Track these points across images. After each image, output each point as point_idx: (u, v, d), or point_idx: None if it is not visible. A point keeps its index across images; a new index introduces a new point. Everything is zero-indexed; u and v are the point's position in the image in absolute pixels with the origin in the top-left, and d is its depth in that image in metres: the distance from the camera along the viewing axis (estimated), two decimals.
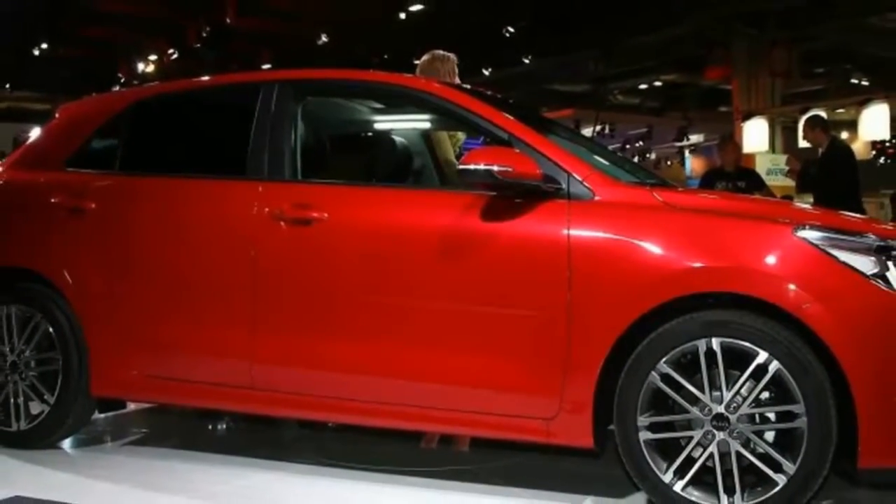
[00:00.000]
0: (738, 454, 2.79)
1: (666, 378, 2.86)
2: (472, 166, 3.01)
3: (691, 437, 2.84)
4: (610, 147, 10.01)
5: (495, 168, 2.98)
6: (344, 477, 3.47)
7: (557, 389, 2.98)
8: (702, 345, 2.83)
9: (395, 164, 3.77)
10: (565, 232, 3.01)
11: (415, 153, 4.08)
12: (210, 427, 4.46)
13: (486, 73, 16.37)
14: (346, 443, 4.06)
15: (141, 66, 17.95)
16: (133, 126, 4.01)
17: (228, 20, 15.04)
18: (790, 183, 10.29)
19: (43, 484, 3.35)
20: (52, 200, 3.88)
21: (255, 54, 16.57)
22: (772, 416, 2.81)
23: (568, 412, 2.97)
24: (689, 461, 2.84)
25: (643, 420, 2.89)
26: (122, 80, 18.02)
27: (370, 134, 4.39)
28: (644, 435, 2.89)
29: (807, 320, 2.73)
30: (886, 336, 2.72)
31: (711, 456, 2.81)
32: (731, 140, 9.27)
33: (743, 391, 2.80)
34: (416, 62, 4.96)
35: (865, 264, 2.77)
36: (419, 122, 4.30)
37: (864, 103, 11.88)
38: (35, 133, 4.59)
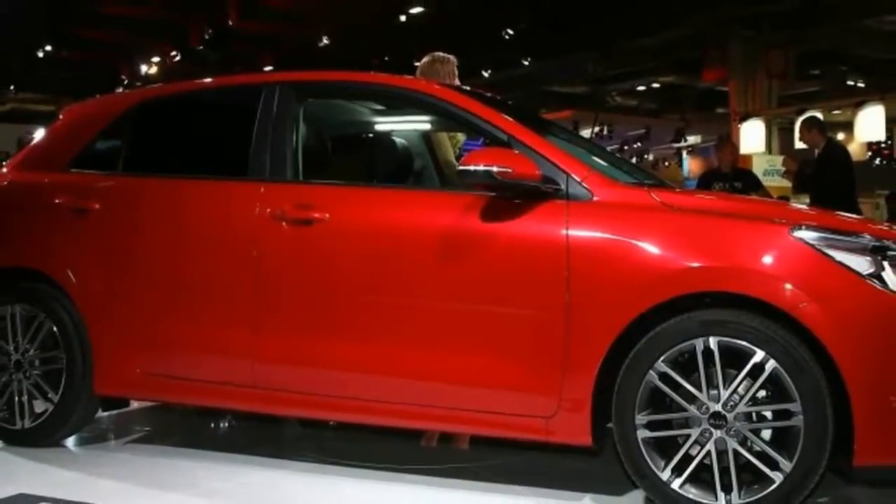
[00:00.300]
0: (736, 452, 2.78)
1: (664, 377, 2.86)
2: (471, 167, 3.01)
3: (689, 436, 2.84)
4: (608, 148, 10.01)
5: (495, 169, 2.98)
6: (345, 475, 3.47)
7: (556, 388, 2.98)
8: (699, 344, 2.83)
9: (395, 164, 3.77)
10: (564, 232, 3.01)
11: (415, 154, 4.08)
12: (212, 425, 4.45)
13: (486, 74, 16.38)
14: (347, 441, 4.06)
15: (144, 68, 17.98)
16: (136, 127, 4.01)
17: (230, 22, 15.06)
18: (787, 183, 10.29)
19: (47, 481, 3.35)
20: (56, 201, 3.88)
21: (256, 56, 16.59)
22: (768, 414, 2.81)
23: (567, 411, 2.97)
24: (687, 459, 2.84)
25: (641, 418, 2.89)
26: (126, 82, 18.04)
27: (371, 135, 4.39)
28: (642, 433, 2.89)
29: (803, 319, 2.73)
30: (882, 335, 2.72)
31: (709, 454, 2.81)
32: (728, 141, 9.26)
33: (740, 390, 2.80)
34: (417, 64, 4.96)
35: (861, 264, 2.77)
36: (419, 123, 4.30)
37: (859, 105, 11.88)
38: (39, 134, 4.59)
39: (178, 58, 16.88)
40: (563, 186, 3.09)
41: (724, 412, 2.80)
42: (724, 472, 2.79)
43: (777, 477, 2.74)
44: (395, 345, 3.23)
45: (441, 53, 4.88)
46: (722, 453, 2.80)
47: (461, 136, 4.58)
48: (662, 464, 2.87)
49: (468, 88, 3.87)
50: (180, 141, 4.11)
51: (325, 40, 15.78)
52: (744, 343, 2.78)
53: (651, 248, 2.93)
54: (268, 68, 15.44)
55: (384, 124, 4.31)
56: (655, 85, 19.22)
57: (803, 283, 2.75)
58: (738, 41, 14.09)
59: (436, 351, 3.17)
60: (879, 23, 13.81)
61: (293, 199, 3.42)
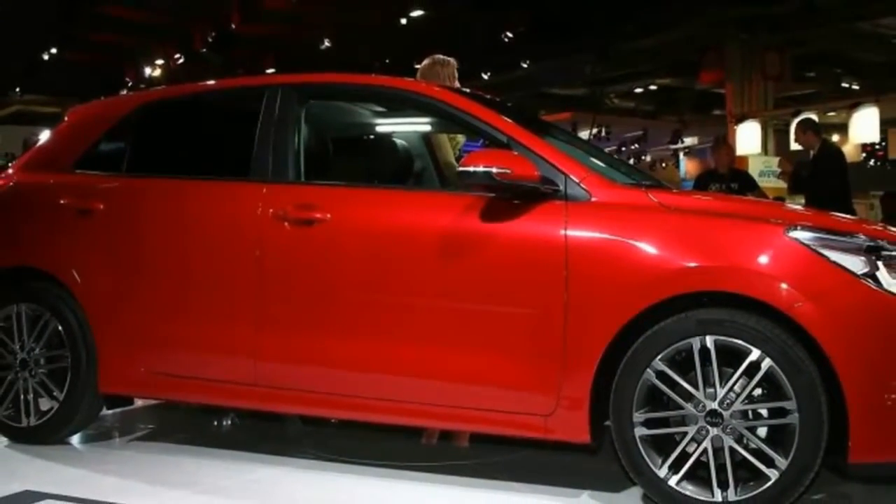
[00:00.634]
0: (732, 449, 2.78)
1: (661, 375, 2.86)
2: (471, 168, 3.01)
3: (686, 433, 2.84)
4: (606, 149, 10.01)
5: (494, 170, 2.98)
6: (346, 472, 3.47)
7: (555, 386, 2.98)
8: (696, 343, 2.82)
9: (396, 165, 3.77)
10: (563, 232, 3.01)
11: (415, 155, 4.08)
12: (215, 423, 4.45)
13: (486, 77, 16.38)
14: (348, 438, 4.06)
15: (148, 71, 17.97)
16: (140, 129, 4.02)
17: (234, 26, 15.05)
18: (782, 184, 10.30)
19: (52, 478, 3.35)
20: (62, 201, 3.88)
21: (259, 59, 16.57)
22: (764, 412, 2.81)
23: (565, 409, 2.97)
24: (684, 456, 2.84)
25: (639, 416, 2.88)
26: (130, 84, 18.03)
27: (372, 136, 4.39)
28: (640, 431, 2.89)
29: (799, 319, 2.73)
30: (876, 334, 2.72)
31: (705, 451, 2.81)
32: (724, 142, 9.26)
33: (736, 388, 2.80)
34: (417, 66, 4.95)
35: (856, 264, 2.76)
36: (420, 124, 4.30)
37: (854, 106, 11.88)
38: (44, 136, 4.59)
39: (181, 60, 16.88)
40: (561, 187, 3.09)
41: (720, 410, 2.80)
42: (721, 469, 2.79)
43: (773, 474, 2.74)
44: (396, 343, 3.23)
45: (441, 56, 4.88)
46: (718, 450, 2.80)
47: (461, 138, 4.58)
48: (660, 461, 2.87)
49: (468, 90, 3.87)
50: (184, 142, 4.11)
51: (327, 43, 15.77)
52: (740, 342, 2.78)
53: (648, 249, 2.93)
54: (270, 71, 15.43)
55: (385, 126, 4.31)
56: (653, 87, 19.23)
57: (799, 283, 2.75)
58: (734, 44, 14.09)
59: (436, 349, 3.17)
60: (874, 26, 13.82)
61: (295, 199, 3.42)
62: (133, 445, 3.96)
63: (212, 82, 4.27)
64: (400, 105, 3.94)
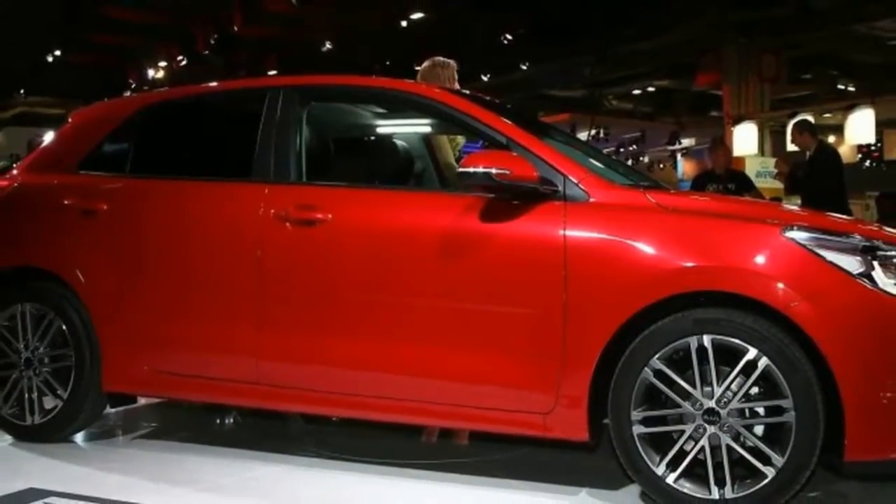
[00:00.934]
0: (729, 447, 2.79)
1: (659, 374, 2.86)
2: (471, 169, 3.01)
3: (683, 431, 2.84)
4: (604, 150, 10.00)
5: (494, 171, 2.98)
6: (347, 469, 3.47)
7: (554, 385, 2.98)
8: (693, 342, 2.83)
9: (396, 166, 3.77)
10: (561, 233, 3.01)
11: (416, 156, 4.09)
12: (218, 421, 4.45)
13: (485, 78, 16.37)
14: (349, 436, 4.06)
15: (151, 72, 17.97)
16: (143, 130, 4.02)
17: (236, 28, 15.04)
18: (779, 185, 10.29)
19: (56, 476, 3.35)
20: (65, 202, 3.88)
21: (261, 61, 16.56)
22: (761, 410, 2.81)
23: (564, 407, 2.98)
24: (681, 454, 2.85)
25: (637, 414, 2.89)
26: (133, 86, 18.03)
27: (373, 138, 4.39)
28: (637, 429, 2.89)
29: (795, 318, 2.73)
30: (871, 333, 2.72)
31: (703, 449, 2.81)
32: (721, 144, 9.26)
33: (733, 387, 2.80)
34: (418, 68, 4.96)
35: (851, 264, 2.77)
36: (420, 126, 4.30)
37: (850, 108, 11.87)
38: (48, 137, 4.59)
39: (184, 62, 16.87)
40: (560, 188, 3.09)
41: (717, 408, 2.80)
42: (718, 466, 2.80)
43: (769, 472, 2.74)
44: (397, 342, 3.23)
45: (441, 58, 4.88)
46: (715, 448, 2.80)
47: (461, 139, 4.58)
48: (657, 459, 2.87)
49: (468, 92, 3.87)
50: (186, 143, 4.11)
51: (328, 45, 15.76)
52: (737, 341, 2.78)
53: (646, 249, 2.93)
54: (272, 72, 15.43)
55: (385, 127, 4.31)
56: (651, 89, 19.23)
57: (795, 283, 2.75)
58: (731, 46, 14.09)
59: (436, 349, 3.17)
60: (869, 28, 13.81)
61: (296, 200, 3.42)
62: (136, 443, 3.96)
63: (214, 84, 4.27)
64: (400, 106, 3.94)
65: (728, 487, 2.78)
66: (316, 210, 3.37)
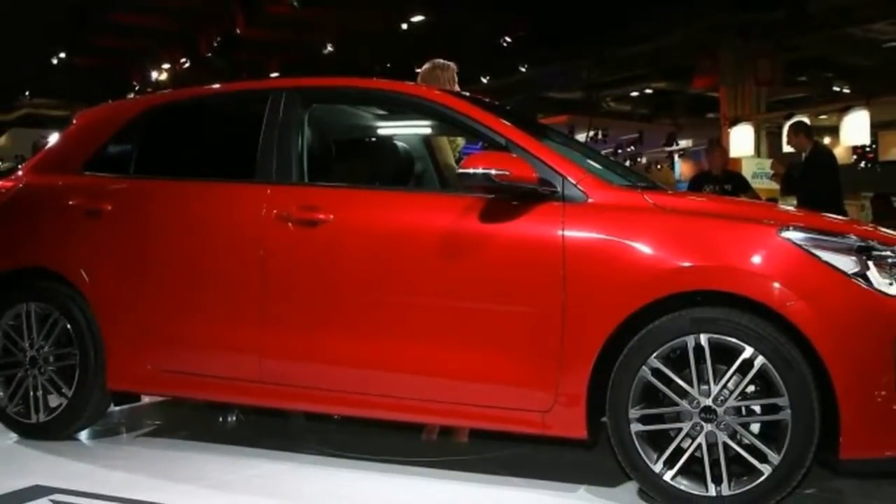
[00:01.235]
0: (725, 445, 2.79)
1: (656, 372, 2.86)
2: (471, 170, 3.01)
3: (680, 429, 2.84)
4: (602, 152, 10.01)
5: (493, 172, 2.98)
6: (348, 467, 3.47)
7: (552, 383, 2.98)
8: (690, 341, 2.82)
9: (397, 167, 3.77)
10: (560, 233, 3.01)
11: (416, 157, 4.08)
12: (220, 419, 4.45)
13: (485, 81, 16.38)
14: (350, 434, 4.06)
15: (154, 75, 17.98)
16: (147, 131, 4.01)
17: (238, 31, 15.05)
18: (775, 186, 10.31)
19: (61, 473, 3.35)
20: (70, 203, 3.88)
21: (263, 63, 16.58)
22: (757, 408, 2.81)
23: (562, 405, 2.97)
24: (679, 452, 2.84)
25: (634, 412, 2.89)
26: (137, 88, 18.04)
27: (374, 139, 4.39)
28: (635, 427, 2.89)
29: (791, 317, 2.73)
30: (866, 332, 2.72)
31: (700, 447, 2.81)
32: (718, 145, 9.26)
33: (730, 385, 2.80)
34: (418, 70, 4.95)
35: (847, 264, 2.76)
36: (420, 127, 4.30)
37: (845, 110, 11.88)
38: (53, 138, 4.59)
39: (187, 64, 16.88)
40: (559, 189, 3.08)
41: (714, 406, 2.80)
42: (715, 464, 2.80)
43: (765, 469, 2.74)
44: (397, 341, 3.23)
45: (441, 60, 4.88)
46: (712, 446, 2.80)
47: (461, 140, 4.58)
48: (655, 456, 2.87)
49: (468, 94, 3.87)
50: (189, 145, 4.11)
51: (330, 47, 15.77)
52: (734, 340, 2.78)
53: (644, 249, 2.93)
54: (274, 75, 15.43)
55: (386, 129, 4.31)
56: (648, 91, 19.23)
57: (791, 282, 2.75)
58: (728, 49, 14.10)
59: (436, 347, 3.17)
60: (864, 31, 13.82)
61: (298, 200, 3.42)
62: (140, 441, 3.96)
63: (217, 86, 4.27)
64: (401, 108, 3.94)
65: (725, 485, 2.78)
66: (318, 210, 3.37)
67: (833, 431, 2.71)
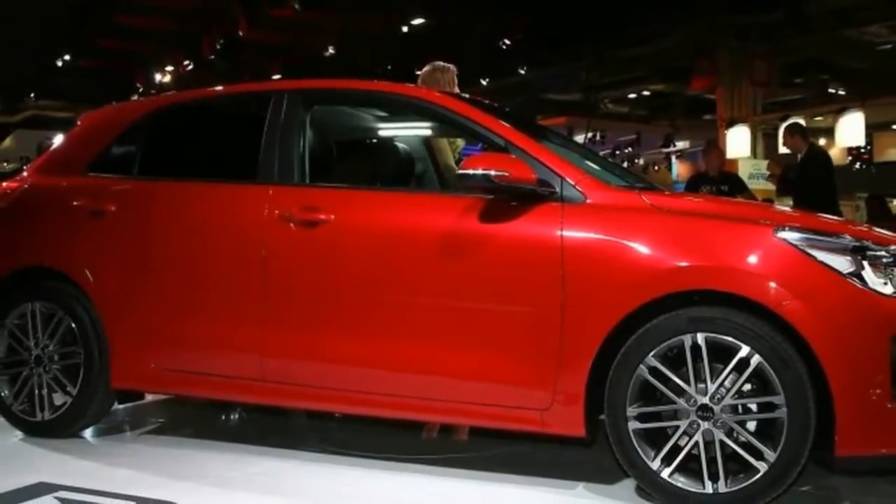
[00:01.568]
0: (722, 443, 2.79)
1: (654, 371, 2.86)
2: (470, 171, 3.01)
3: (678, 427, 2.84)
4: (600, 153, 10.00)
5: (492, 173, 2.98)
6: (349, 464, 3.47)
7: (551, 382, 2.98)
8: (688, 340, 2.83)
9: (397, 168, 3.77)
10: (559, 233, 3.01)
11: (416, 158, 4.09)
12: (223, 417, 4.45)
13: (484, 83, 16.38)
14: (351, 432, 4.06)
15: (158, 77, 17.98)
16: (150, 133, 4.01)
17: (241, 33, 15.04)
18: (771, 187, 10.31)
19: (66, 470, 3.35)
20: (75, 203, 3.88)
21: (265, 65, 16.57)
22: (753, 406, 2.81)
23: (561, 403, 2.97)
24: (676, 449, 2.85)
25: (632, 411, 2.89)
26: (140, 90, 18.04)
27: (374, 140, 4.39)
28: (633, 425, 2.89)
29: (787, 316, 2.73)
30: (861, 331, 2.72)
31: (697, 444, 2.81)
32: (715, 146, 9.25)
33: (726, 383, 2.80)
34: (418, 72, 4.96)
35: (842, 264, 2.77)
36: (421, 129, 4.30)
37: (840, 111, 11.89)
38: (58, 140, 4.59)
39: (190, 67, 16.88)
40: (557, 189, 3.08)
41: (711, 405, 2.80)
42: (712, 461, 2.79)
43: (762, 466, 2.74)
44: (398, 340, 3.23)
45: (441, 62, 4.88)
46: (709, 444, 2.80)
47: (460, 142, 4.58)
48: (652, 454, 2.87)
49: (467, 96, 3.87)
50: (193, 146, 4.11)
51: (331, 50, 15.76)
52: (730, 339, 2.78)
53: (642, 249, 2.93)
54: (276, 77, 15.43)
55: (387, 130, 4.31)
56: (646, 93, 19.22)
57: (787, 282, 2.75)
58: (724, 51, 14.09)
59: (437, 346, 3.17)
60: (859, 33, 13.81)
61: (300, 201, 3.42)
62: (144, 439, 3.96)
63: (220, 88, 4.27)
64: (401, 110, 3.94)
65: (721, 482, 2.78)
66: (319, 211, 3.37)
67: (828, 429, 2.71)
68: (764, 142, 13.99)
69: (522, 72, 16.47)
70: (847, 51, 14.79)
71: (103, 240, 3.79)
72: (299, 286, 3.39)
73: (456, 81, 4.85)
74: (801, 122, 9.81)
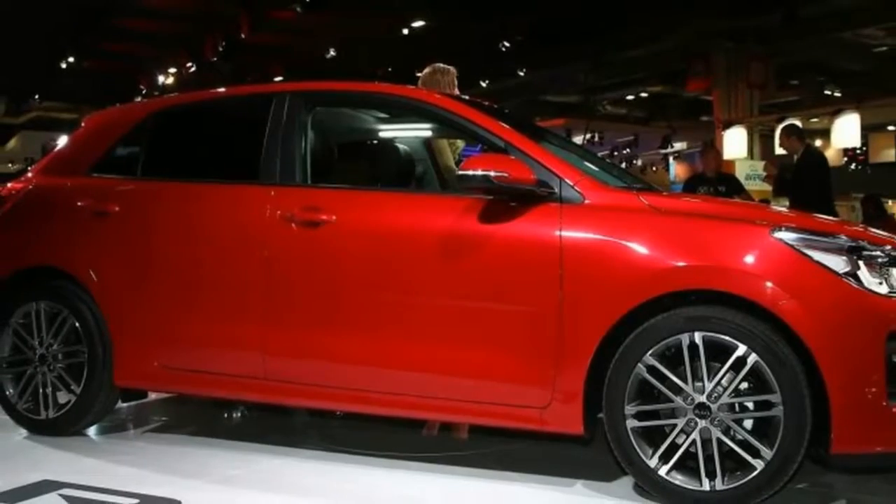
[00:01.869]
0: (719, 441, 2.79)
1: (652, 370, 2.86)
2: (470, 172, 3.01)
3: (675, 425, 2.84)
4: (599, 154, 10.00)
5: (492, 174, 2.98)
6: (350, 462, 3.47)
7: (550, 380, 2.98)
8: (685, 338, 2.82)
9: (398, 169, 3.77)
10: (557, 233, 3.01)
11: (417, 159, 4.08)
12: (225, 415, 4.45)
13: (484, 84, 16.39)
14: (352, 430, 4.06)
15: (161, 79, 17.99)
16: (153, 134, 4.01)
17: (243, 35, 15.05)
18: (767, 187, 10.29)
19: (70, 468, 3.35)
20: (79, 204, 3.88)
21: (267, 67, 16.58)
22: (750, 405, 2.82)
23: (560, 402, 2.97)
24: (673, 447, 2.85)
25: (630, 409, 2.89)
26: (144, 92, 18.04)
27: (375, 141, 4.38)
28: (631, 423, 2.89)
29: (783, 316, 2.73)
30: (857, 330, 2.72)
31: (694, 442, 2.81)
32: (712, 147, 9.27)
33: (723, 382, 2.80)
34: (419, 74, 4.95)
35: (838, 263, 2.76)
36: (421, 130, 4.30)
37: (836, 113, 11.87)
38: (62, 141, 4.59)
39: (193, 69, 16.88)
40: (556, 190, 3.08)
41: (708, 403, 2.80)
42: (709, 459, 2.79)
43: (758, 464, 2.74)
44: (399, 339, 3.23)
45: (441, 64, 4.88)
46: (706, 442, 2.80)
47: (460, 143, 4.58)
48: (650, 452, 2.87)
49: (467, 98, 3.86)
50: (195, 147, 4.11)
51: (332, 52, 15.77)
52: (727, 338, 2.78)
53: (639, 249, 2.93)
54: (278, 78, 15.44)
55: (388, 131, 4.31)
56: (643, 94, 19.24)
57: (783, 282, 2.75)
58: (721, 53, 14.10)
59: (437, 345, 3.17)
60: (855, 36, 13.83)
61: (302, 201, 3.42)
62: (147, 437, 3.96)
63: (222, 90, 4.27)
64: (402, 111, 3.94)
65: (718, 479, 2.78)
66: (320, 211, 3.37)
67: (824, 427, 2.71)
68: (760, 143, 13.98)
69: (522, 74, 16.48)
70: (843, 53, 14.81)
71: (107, 240, 3.79)
72: (301, 285, 3.39)
73: (456, 83, 4.85)
74: (798, 123, 9.79)
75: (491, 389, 3.09)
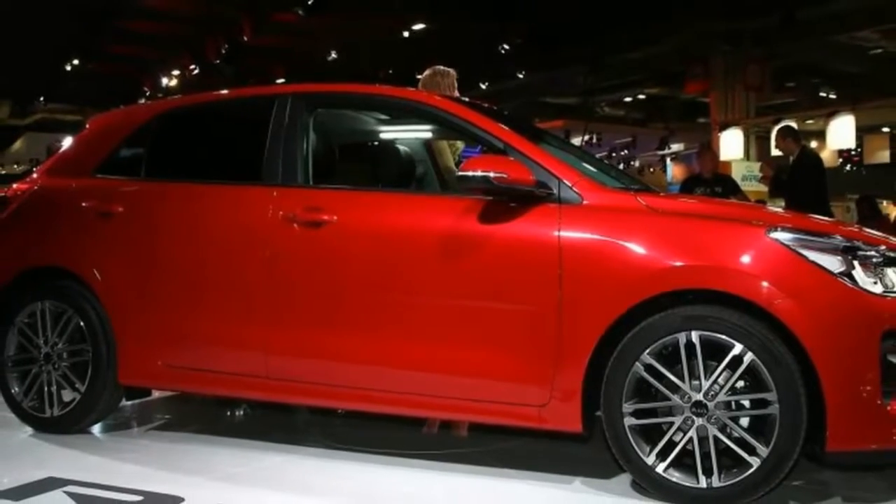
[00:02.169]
0: (716, 438, 2.79)
1: (649, 368, 2.86)
2: (470, 173, 3.01)
3: (672, 423, 2.84)
4: (597, 155, 10.00)
5: (492, 175, 2.98)
6: (351, 459, 3.47)
7: (549, 379, 2.98)
8: (682, 337, 2.82)
9: (399, 170, 3.77)
10: (556, 234, 3.01)
11: (417, 161, 4.08)
12: (228, 413, 4.45)
13: (483, 86, 16.41)
14: (354, 428, 4.06)
15: (164, 81, 18.01)
16: (157, 136, 4.01)
17: (245, 38, 15.07)
18: (763, 188, 10.30)
19: (74, 466, 3.35)
20: (83, 204, 3.88)
21: (269, 69, 16.59)
22: (746, 403, 2.81)
23: (558, 400, 2.97)
24: (671, 445, 2.85)
25: (628, 407, 2.89)
26: (147, 94, 18.05)
27: (376, 143, 4.38)
28: (629, 421, 2.89)
29: (779, 315, 2.73)
30: (852, 329, 2.72)
31: (691, 440, 2.81)
32: (709, 148, 9.25)
33: (720, 380, 2.80)
34: (419, 76, 4.95)
35: (833, 263, 2.77)
36: (421, 132, 4.30)
37: (831, 115, 11.89)
38: (67, 142, 4.59)
39: (196, 71, 16.91)
40: (555, 191, 3.08)
41: (705, 401, 2.80)
42: (705, 456, 2.80)
43: (755, 461, 2.74)
44: (399, 338, 3.23)
45: (442, 67, 4.88)
46: (703, 439, 2.80)
47: (460, 144, 4.58)
48: (648, 449, 2.87)
49: (467, 99, 3.86)
50: (198, 149, 4.11)
51: (334, 54, 15.79)
52: (723, 337, 2.78)
53: (637, 249, 2.93)
54: (280, 81, 15.44)
55: (388, 133, 4.31)
56: (641, 96, 19.26)
57: (779, 281, 2.75)
58: (718, 56, 14.11)
59: (437, 344, 3.16)
60: (850, 39, 13.83)
61: (304, 202, 3.42)
62: (151, 434, 3.96)
63: (225, 92, 4.27)
64: (403, 113, 3.94)
65: (715, 476, 2.78)
66: (322, 212, 3.37)
67: (820, 425, 2.71)
68: (757, 144, 13.99)
69: (521, 76, 16.50)
70: (838, 55, 14.81)
71: (111, 240, 3.79)
72: (303, 285, 3.39)
73: (456, 85, 4.85)
74: (794, 125, 9.79)
75: (491, 388, 3.09)
